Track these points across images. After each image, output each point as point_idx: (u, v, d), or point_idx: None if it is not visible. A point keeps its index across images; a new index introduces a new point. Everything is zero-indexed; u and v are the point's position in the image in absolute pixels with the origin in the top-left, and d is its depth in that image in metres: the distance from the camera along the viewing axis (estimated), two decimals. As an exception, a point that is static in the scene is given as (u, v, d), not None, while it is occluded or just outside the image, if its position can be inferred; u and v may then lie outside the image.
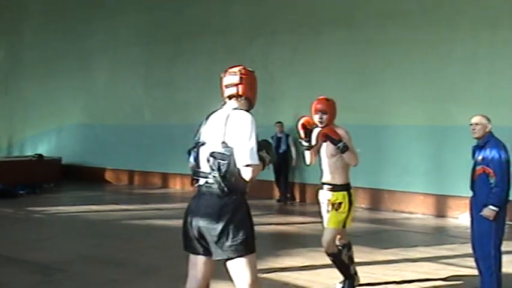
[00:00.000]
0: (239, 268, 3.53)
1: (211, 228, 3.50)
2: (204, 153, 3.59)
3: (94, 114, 16.84)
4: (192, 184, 3.71)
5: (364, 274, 6.21)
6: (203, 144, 3.62)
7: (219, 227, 3.48)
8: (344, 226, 5.52)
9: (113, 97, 16.40)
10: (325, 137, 5.33)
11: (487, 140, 5.10)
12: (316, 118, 5.53)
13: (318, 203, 5.73)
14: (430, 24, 10.55)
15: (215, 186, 3.47)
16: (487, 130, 5.17)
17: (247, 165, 3.44)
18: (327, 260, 6.78)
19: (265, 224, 9.94)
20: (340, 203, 5.41)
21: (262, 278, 5.93)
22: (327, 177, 5.57)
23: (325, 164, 5.59)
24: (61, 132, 17.92)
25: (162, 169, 14.76)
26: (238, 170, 3.45)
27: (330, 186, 5.50)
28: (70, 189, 14.82)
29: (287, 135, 12.12)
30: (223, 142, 3.50)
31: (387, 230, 9.32)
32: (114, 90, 16.37)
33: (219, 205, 3.49)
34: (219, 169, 3.45)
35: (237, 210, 3.52)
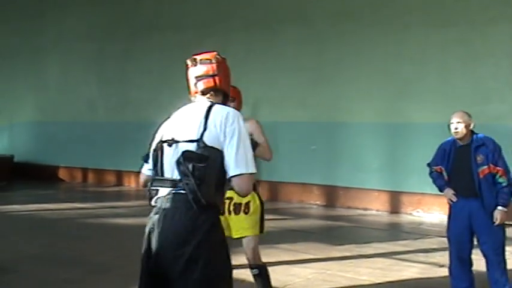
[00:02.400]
0: None
1: (176, 255, 2.61)
2: (170, 155, 2.76)
3: (46, 111, 16.48)
4: (150, 199, 2.80)
5: (320, 270, 6.23)
6: (170, 144, 2.77)
7: (187, 252, 2.60)
8: (262, 231, 4.72)
9: (65, 93, 16.06)
10: None
11: (482, 139, 4.81)
12: None
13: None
14: (382, 22, 10.64)
15: (187, 197, 2.61)
16: (470, 128, 4.83)
17: (240, 174, 2.69)
18: (282, 257, 6.81)
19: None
20: (247, 203, 4.60)
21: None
22: None
23: None
24: (12, 130, 17.50)
25: (116, 167, 14.53)
26: (219, 177, 2.69)
27: None
28: (22, 187, 14.47)
29: None
30: (201, 141, 2.69)
31: (342, 227, 9.39)
32: (67, 86, 16.03)
33: (190, 223, 2.62)
34: (193, 174, 2.60)
35: (212, 231, 2.68)
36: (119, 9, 14.88)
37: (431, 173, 5.20)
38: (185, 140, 2.74)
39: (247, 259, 4.72)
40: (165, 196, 2.71)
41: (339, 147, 11.15)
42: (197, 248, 2.59)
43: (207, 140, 2.69)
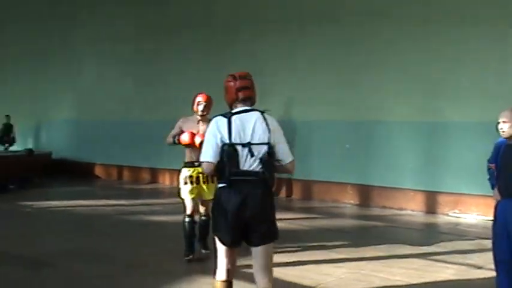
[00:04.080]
0: (269, 250, 3.89)
1: (260, 221, 3.78)
2: (245, 153, 3.78)
3: (83, 109, 16.73)
4: (228, 182, 3.77)
5: (353, 270, 6.17)
6: (244, 145, 3.78)
7: (267, 216, 3.84)
8: None
9: (101, 92, 16.28)
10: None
11: None
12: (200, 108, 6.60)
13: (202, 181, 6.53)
14: (416, 19, 10.49)
15: (262, 183, 3.77)
16: None
17: (293, 160, 3.96)
18: (315, 256, 6.78)
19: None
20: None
21: (250, 275, 5.89)
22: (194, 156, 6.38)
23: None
24: (51, 127, 17.82)
25: (151, 164, 14.67)
26: (276, 166, 3.89)
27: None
28: (60, 184, 14.72)
29: None
30: (269, 143, 3.83)
31: (376, 226, 9.28)
32: (103, 85, 16.25)
33: (265, 198, 3.81)
34: (269, 168, 3.79)
35: (273, 203, 3.92)
36: (152, 9, 15.01)
37: (488, 170, 5.10)
38: (259, 143, 3.80)
39: (204, 211, 6.64)
40: (243, 182, 3.74)
41: (374, 146, 11.04)
42: (270, 216, 3.89)
43: (271, 140, 3.84)
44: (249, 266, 5.63)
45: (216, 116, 3.97)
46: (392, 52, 10.77)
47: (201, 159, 3.88)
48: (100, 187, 14.65)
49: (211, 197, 5.85)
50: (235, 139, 3.77)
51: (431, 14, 10.35)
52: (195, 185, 6.53)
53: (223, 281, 3.92)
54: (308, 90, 11.93)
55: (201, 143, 5.42)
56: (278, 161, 3.90)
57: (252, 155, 3.78)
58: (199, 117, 6.62)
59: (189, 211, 6.55)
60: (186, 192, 6.57)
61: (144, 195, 13.04)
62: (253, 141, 3.80)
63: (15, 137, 17.44)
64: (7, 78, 19.24)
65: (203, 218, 6.66)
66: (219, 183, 3.86)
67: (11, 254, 6.94)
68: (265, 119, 3.89)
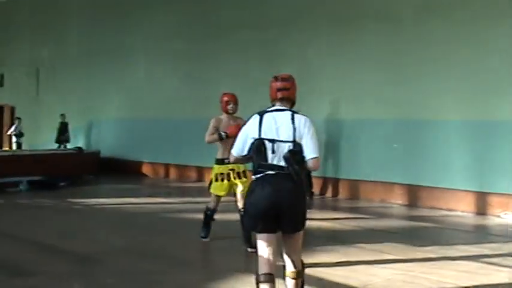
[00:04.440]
0: (298, 237, 4.23)
1: (291, 210, 4.06)
2: (272, 149, 4.09)
3: (132, 108, 16.99)
4: (257, 174, 4.13)
5: (401, 271, 6.09)
6: (271, 142, 4.10)
7: (297, 208, 4.11)
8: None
9: (149, 91, 16.51)
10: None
11: None
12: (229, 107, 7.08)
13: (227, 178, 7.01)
14: (467, 16, 10.29)
15: (289, 176, 4.03)
16: None
17: (315, 157, 4.13)
18: (363, 256, 6.72)
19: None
20: (244, 171, 6.98)
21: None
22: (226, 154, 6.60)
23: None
24: (100, 126, 18.16)
25: (198, 163, 14.79)
26: (304, 162, 4.10)
27: None
28: (108, 181, 14.99)
29: None
30: (293, 141, 4.08)
31: (425, 227, 9.13)
32: (152, 84, 16.48)
33: (295, 190, 4.06)
34: (297, 163, 4.03)
35: (304, 194, 4.23)
36: (202, 8, 15.15)
37: None
38: (283, 140, 4.09)
39: (241, 206, 6.71)
40: (273, 176, 4.06)
41: (422, 145, 10.86)
42: (301, 205, 4.17)
43: (296, 138, 4.09)
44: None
45: (257, 112, 4.29)
46: (442, 50, 10.59)
47: (232, 151, 4.34)
48: (147, 185, 14.85)
49: (240, 190, 6.84)
50: (264, 135, 4.12)
51: (481, 11, 10.13)
52: (226, 181, 7.00)
53: (265, 274, 4.07)
54: (356, 88, 11.83)
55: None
56: (302, 157, 4.12)
57: (278, 152, 4.08)
58: (230, 116, 7.08)
59: (212, 206, 7.19)
60: (216, 189, 7.06)
61: (190, 193, 13.14)
62: (278, 139, 4.11)
63: (70, 136, 17.87)
64: (62, 78, 19.69)
65: (241, 213, 6.75)
66: (253, 175, 4.18)
67: (60, 249, 7.10)
68: (293, 118, 4.18)
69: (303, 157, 4.10)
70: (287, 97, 4.34)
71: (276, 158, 4.09)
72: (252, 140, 4.16)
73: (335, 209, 11.00)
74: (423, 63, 10.84)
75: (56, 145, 17.97)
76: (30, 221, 9.21)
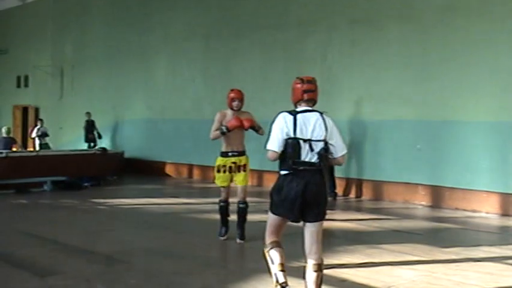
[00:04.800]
0: (320, 227, 4.58)
1: (317, 202, 4.51)
2: (306, 147, 4.49)
3: (154, 108, 17.13)
4: (291, 169, 4.49)
5: (425, 273, 6.09)
6: (305, 141, 4.48)
7: (321, 200, 4.54)
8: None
9: (172, 91, 16.64)
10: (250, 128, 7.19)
11: None
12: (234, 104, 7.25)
13: (229, 169, 7.33)
14: (492, 16, 10.22)
15: (319, 171, 4.49)
16: None
17: (344, 154, 4.67)
18: (386, 258, 6.72)
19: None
20: (244, 165, 7.34)
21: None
22: (234, 147, 7.31)
23: (236, 136, 7.27)
24: (123, 126, 18.33)
25: (221, 163, 14.84)
26: (332, 158, 4.60)
27: (237, 153, 7.32)
28: (132, 182, 15.14)
29: None
30: (325, 140, 4.52)
31: (449, 228, 9.09)
32: (174, 84, 16.61)
33: (321, 185, 4.51)
34: (326, 160, 4.51)
35: (326, 188, 4.62)
36: (223, 8, 15.22)
37: None
38: (317, 139, 4.51)
39: (240, 198, 7.34)
40: (303, 171, 4.47)
41: (446, 146, 10.81)
42: (324, 198, 4.59)
43: (327, 138, 4.54)
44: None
45: (282, 112, 4.61)
46: (465, 49, 10.53)
47: (268, 148, 4.54)
48: (171, 185, 14.96)
49: (243, 183, 7.31)
50: (299, 134, 4.48)
51: (509, 10, 10.05)
52: (227, 173, 7.30)
53: (274, 241, 4.64)
54: (379, 88, 11.81)
55: (250, 127, 7.12)
56: (331, 154, 4.58)
57: (312, 150, 4.49)
58: (235, 112, 7.27)
59: (222, 197, 7.51)
60: (219, 180, 7.40)
61: (214, 193, 13.17)
62: (313, 138, 4.50)
63: (100, 133, 17.98)
64: (86, 78, 19.92)
65: (241, 205, 7.36)
66: (282, 170, 4.57)
67: (84, 249, 7.19)
68: (323, 119, 4.59)
69: (331, 154, 4.57)
70: (312, 98, 4.66)
71: (309, 155, 4.49)
72: (286, 138, 4.50)
73: (358, 209, 10.99)
74: (446, 63, 10.78)
75: (86, 145, 18.08)
76: (54, 221, 9.36)
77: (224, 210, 7.54)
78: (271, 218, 4.68)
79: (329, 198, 12.01)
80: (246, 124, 7.12)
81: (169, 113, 16.59)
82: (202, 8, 15.82)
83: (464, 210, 10.41)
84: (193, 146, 15.58)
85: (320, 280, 4.53)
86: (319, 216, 4.56)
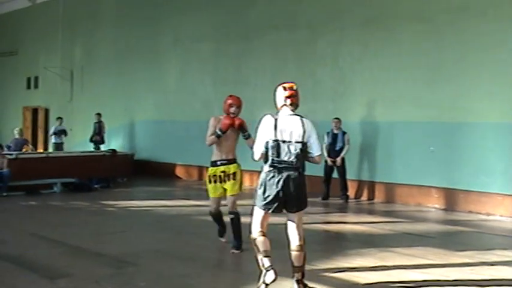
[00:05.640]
0: (300, 216, 5.28)
1: (297, 195, 5.14)
2: (285, 147, 5.10)
3: (165, 110, 17.17)
4: (271, 167, 5.13)
5: (438, 277, 6.05)
6: (284, 142, 5.11)
7: (300, 193, 5.17)
8: (241, 190, 7.27)
9: (182, 93, 16.67)
10: (240, 126, 7.05)
11: None
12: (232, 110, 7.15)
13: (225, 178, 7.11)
14: (505, 16, 10.16)
15: (297, 169, 5.10)
16: None
17: (320, 154, 5.30)
18: (399, 261, 6.69)
19: (334, 222, 9.87)
20: (234, 173, 7.12)
21: (331, 278, 5.89)
22: (223, 155, 7.13)
23: (226, 144, 7.13)
24: (133, 128, 18.38)
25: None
26: (305, 158, 5.19)
27: (226, 161, 7.12)
28: (142, 184, 15.17)
29: (344, 133, 11.93)
30: (302, 142, 5.13)
31: (463, 232, 9.04)
32: (184, 86, 16.64)
33: (299, 180, 5.13)
34: (300, 160, 5.11)
35: (305, 182, 5.23)
36: (233, 10, 15.24)
37: None
38: (296, 141, 5.13)
39: (230, 208, 7.07)
40: (283, 168, 5.09)
41: (460, 148, 10.75)
42: (303, 191, 5.22)
43: (304, 139, 5.15)
44: (327, 270, 5.63)
45: (266, 114, 5.26)
46: (479, 50, 10.48)
47: (254, 149, 5.31)
48: (181, 187, 14.98)
49: (232, 193, 7.08)
50: (279, 136, 5.10)
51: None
52: (218, 183, 7.12)
53: (260, 231, 5.23)
54: (391, 89, 11.78)
55: (240, 125, 6.99)
56: (309, 153, 5.21)
57: (290, 150, 5.09)
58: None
59: (212, 209, 7.30)
60: (210, 191, 7.22)
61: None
62: (292, 140, 5.10)
63: (104, 137, 17.98)
64: (96, 80, 20.00)
65: (230, 215, 7.12)
66: (264, 168, 5.19)
67: (93, 251, 7.20)
68: (302, 122, 5.18)
69: (306, 153, 5.17)
70: (295, 103, 5.28)
71: (287, 155, 5.10)
72: (267, 140, 5.13)
73: (370, 212, 10.95)
74: (459, 64, 10.74)
75: (92, 145, 18.10)
76: (63, 223, 9.39)
77: (217, 219, 7.46)
78: (256, 212, 5.28)
79: (341, 201, 12.09)
80: (237, 121, 7.03)
81: (179, 114, 16.62)
82: (213, 9, 15.84)
83: (478, 213, 10.36)
84: (203, 147, 15.47)
85: (303, 258, 5.20)
86: (299, 207, 5.22)
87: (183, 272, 6.23)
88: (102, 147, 17.58)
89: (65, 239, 7.92)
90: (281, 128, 5.14)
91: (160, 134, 17.25)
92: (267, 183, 5.16)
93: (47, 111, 22.73)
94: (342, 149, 11.88)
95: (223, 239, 7.55)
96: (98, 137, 18.01)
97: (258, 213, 5.28)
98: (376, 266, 6.45)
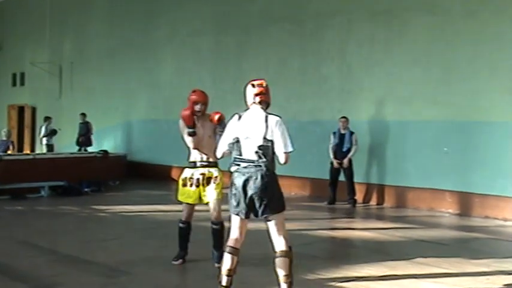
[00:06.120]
0: (278, 219, 5.17)
1: (261, 196, 5.04)
2: (247, 145, 5.13)
3: (160, 109, 17.20)
4: (233, 166, 5.20)
5: (452, 286, 6.06)
6: (246, 138, 5.15)
7: (267, 194, 5.06)
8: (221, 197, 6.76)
9: (179, 91, 16.63)
10: (219, 121, 6.69)
11: None
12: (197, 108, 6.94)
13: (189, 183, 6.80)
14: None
15: (261, 167, 5.05)
16: None
17: (286, 152, 5.12)
18: (409, 270, 6.70)
19: (341, 228, 9.88)
20: (216, 177, 6.76)
21: None
22: (203, 156, 6.80)
23: (205, 144, 6.84)
24: (126, 128, 18.42)
25: (229, 167, 14.84)
26: (274, 156, 5.14)
27: (207, 163, 6.78)
28: (135, 187, 15.17)
29: (351, 133, 11.94)
30: (264, 138, 5.09)
31: (478, 238, 9.05)
32: (180, 83, 16.64)
33: (265, 181, 5.05)
34: (264, 156, 5.06)
35: (274, 182, 5.15)
36: (234, 2, 15.25)
37: None
38: (256, 137, 5.11)
39: (213, 217, 6.74)
40: (246, 167, 5.10)
41: (475, 149, 10.76)
42: (270, 192, 5.09)
43: (268, 136, 5.09)
44: (334, 279, 5.66)
45: (235, 113, 5.38)
46: (495, 45, 10.50)
47: (217, 146, 5.49)
48: (176, 191, 14.95)
49: (217, 197, 6.70)
50: (240, 133, 5.17)
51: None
52: (194, 188, 6.75)
53: (231, 247, 5.18)
54: (402, 87, 11.79)
55: (219, 119, 6.68)
56: (272, 151, 5.11)
57: (251, 147, 5.09)
58: (198, 117, 6.95)
59: (184, 217, 6.92)
60: (183, 196, 6.84)
61: (223, 200, 13.22)
62: (251, 136, 5.12)
63: (91, 138, 17.96)
64: (86, 77, 20.03)
65: (213, 226, 6.82)
66: (232, 168, 5.21)
67: (84, 260, 7.22)
68: (267, 119, 5.16)
69: (272, 151, 5.10)
70: (264, 100, 5.34)
71: (249, 152, 5.12)
72: (232, 138, 5.24)
73: (380, 218, 10.97)
74: (474, 60, 10.75)
75: (77, 148, 18.10)
76: (52, 229, 9.43)
77: (184, 233, 6.96)
78: (231, 218, 5.28)
79: (348, 206, 12.10)
80: (216, 115, 6.77)
81: (175, 114, 16.54)
82: (211, 1, 15.86)
83: (495, 218, 10.37)
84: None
85: (288, 265, 5.09)
86: (271, 211, 5.11)
87: (178, 281, 6.26)
88: (90, 150, 17.56)
89: (54, 246, 7.94)
90: (244, 124, 5.22)
91: (156, 134, 17.27)
92: (232, 185, 5.19)
93: (34, 110, 22.78)
94: (349, 150, 11.90)
95: (177, 262, 6.90)
96: (83, 138, 17.95)
97: (233, 219, 5.26)
98: (385, 276, 6.46)
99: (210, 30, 15.81)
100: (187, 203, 6.82)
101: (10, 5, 23.75)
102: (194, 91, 7.08)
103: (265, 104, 5.35)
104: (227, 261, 5.17)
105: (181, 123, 6.95)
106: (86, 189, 13.91)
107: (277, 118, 5.21)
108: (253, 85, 5.42)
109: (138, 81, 17.93)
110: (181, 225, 6.95)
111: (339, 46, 12.88)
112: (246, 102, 5.42)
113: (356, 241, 8.96)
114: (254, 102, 5.34)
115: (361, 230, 9.53)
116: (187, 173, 6.86)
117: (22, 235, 8.79)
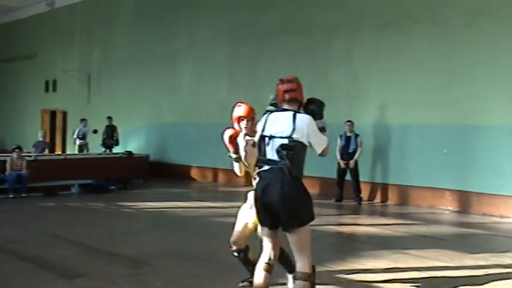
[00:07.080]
0: (299, 235, 4.20)
1: (280, 206, 4.15)
2: (271, 145, 4.29)
3: (180, 113, 17.21)
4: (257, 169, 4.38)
5: (452, 280, 6.00)
6: (270, 138, 4.31)
7: (288, 204, 4.15)
8: None
9: (197, 96, 16.70)
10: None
11: None
12: (242, 124, 5.09)
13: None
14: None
15: (282, 170, 4.16)
16: None
17: (324, 148, 4.37)
18: (411, 263, 6.65)
19: (347, 224, 9.84)
20: None
21: (345, 279, 5.86)
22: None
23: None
24: (149, 130, 18.43)
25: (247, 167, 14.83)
26: (302, 160, 4.29)
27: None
28: (157, 185, 15.20)
29: (357, 135, 11.92)
30: (289, 137, 4.22)
31: (476, 234, 8.97)
32: (199, 89, 16.68)
33: (284, 190, 4.15)
34: (287, 158, 4.15)
35: (296, 190, 4.21)
36: (248, 14, 15.24)
37: None
38: (280, 136, 4.25)
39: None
40: (266, 170, 4.26)
41: (473, 150, 10.68)
42: (296, 201, 4.19)
43: (293, 135, 4.22)
44: (341, 271, 5.63)
45: (268, 110, 4.65)
46: (492, 53, 10.42)
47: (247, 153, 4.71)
48: (196, 189, 15.00)
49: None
50: (266, 132, 4.35)
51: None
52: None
53: (266, 263, 4.40)
54: (405, 92, 11.72)
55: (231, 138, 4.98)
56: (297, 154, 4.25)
57: (273, 147, 4.26)
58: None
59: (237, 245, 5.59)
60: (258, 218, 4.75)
61: (238, 197, 13.20)
62: (276, 135, 4.28)
63: (118, 139, 17.99)
64: (112, 83, 20.10)
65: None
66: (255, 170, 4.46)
67: (109, 252, 7.24)
68: (295, 117, 4.29)
69: (297, 154, 4.23)
70: (294, 98, 4.46)
71: (271, 152, 4.28)
72: (258, 136, 4.45)
73: (384, 214, 10.91)
74: (473, 67, 10.67)
75: (102, 149, 18.13)
76: (81, 224, 9.44)
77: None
78: (261, 233, 4.48)
79: (354, 203, 12.06)
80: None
81: (195, 117, 16.66)
82: (228, 13, 15.86)
83: (492, 215, 10.28)
84: (218, 150, 15.54)
85: None
86: (291, 223, 4.18)
87: (198, 272, 6.23)
88: (116, 151, 17.60)
89: (82, 239, 7.96)
90: (270, 123, 4.39)
91: (176, 136, 17.29)
92: (256, 191, 4.37)
93: (65, 114, 22.87)
94: (354, 151, 11.86)
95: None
96: (110, 140, 18.00)
97: (262, 234, 4.46)
98: (389, 268, 6.41)
99: (226, 40, 15.80)
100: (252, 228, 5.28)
101: (44, 18, 23.89)
102: (239, 105, 5.28)
103: (295, 102, 4.46)
104: (258, 278, 4.39)
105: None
106: (112, 187, 13.96)
107: (307, 117, 4.33)
108: (282, 81, 4.52)
109: (159, 87, 17.96)
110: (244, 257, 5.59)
111: (345, 55, 12.83)
112: (277, 100, 4.59)
113: (361, 236, 8.91)
114: (283, 100, 4.46)
115: (366, 226, 9.48)
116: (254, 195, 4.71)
117: (53, 229, 8.82)
